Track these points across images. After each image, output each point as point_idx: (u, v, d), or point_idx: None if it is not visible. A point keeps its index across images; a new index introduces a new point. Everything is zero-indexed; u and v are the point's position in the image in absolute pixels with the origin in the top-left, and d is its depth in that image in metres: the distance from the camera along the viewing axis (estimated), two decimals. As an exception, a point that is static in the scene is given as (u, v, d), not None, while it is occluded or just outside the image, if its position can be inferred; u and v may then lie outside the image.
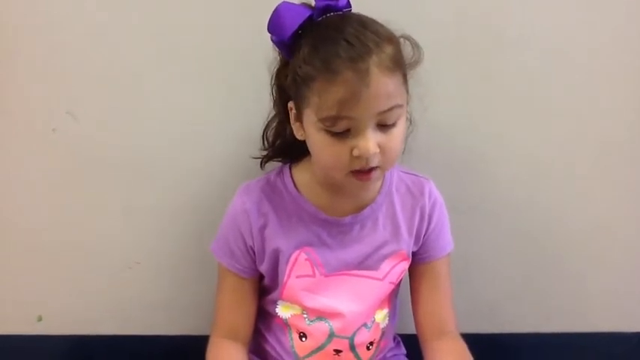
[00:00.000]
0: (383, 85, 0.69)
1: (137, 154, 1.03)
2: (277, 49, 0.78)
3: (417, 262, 0.89)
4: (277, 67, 0.81)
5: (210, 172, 1.04)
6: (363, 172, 0.74)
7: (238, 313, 0.88)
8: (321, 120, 0.71)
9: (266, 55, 0.81)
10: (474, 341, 0.86)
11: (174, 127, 1.02)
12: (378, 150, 0.71)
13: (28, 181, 1.04)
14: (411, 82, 0.77)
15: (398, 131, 0.74)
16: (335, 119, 0.70)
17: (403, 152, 0.83)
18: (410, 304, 0.92)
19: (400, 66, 0.72)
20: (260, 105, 0.87)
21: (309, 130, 0.75)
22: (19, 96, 1.00)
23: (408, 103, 0.78)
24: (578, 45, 1.00)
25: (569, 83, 1.01)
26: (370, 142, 0.70)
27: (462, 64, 1.00)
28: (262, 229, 0.84)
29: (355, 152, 0.71)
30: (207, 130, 1.02)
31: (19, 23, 0.97)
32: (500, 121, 1.03)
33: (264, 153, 0.90)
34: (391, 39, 0.73)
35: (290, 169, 0.87)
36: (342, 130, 0.71)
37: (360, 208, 0.85)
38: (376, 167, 0.74)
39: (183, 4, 0.96)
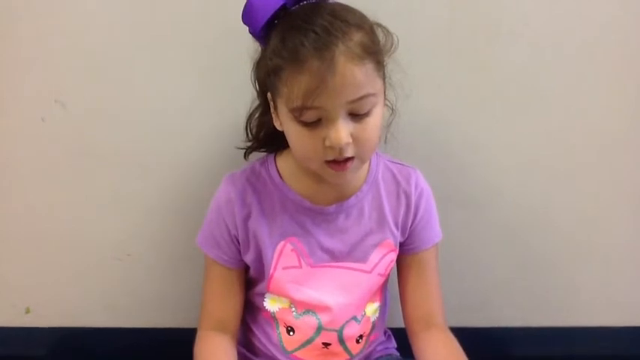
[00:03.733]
0: (350, 73, 0.68)
1: (127, 145, 1.03)
2: (255, 40, 0.77)
3: (405, 253, 0.88)
4: (257, 57, 0.80)
5: (202, 162, 1.03)
6: (337, 163, 0.73)
7: (225, 304, 0.87)
8: (291, 110, 0.70)
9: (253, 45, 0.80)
10: (463, 335, 0.85)
11: (165, 118, 1.01)
12: (350, 140, 0.71)
13: (17, 171, 1.04)
14: (391, 67, 0.76)
15: (373, 121, 0.72)
16: (302, 109, 0.69)
17: (385, 142, 0.83)
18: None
19: (371, 54, 0.70)
20: (248, 95, 0.86)
21: (284, 120, 0.75)
22: (7, 85, 1.00)
23: (385, 92, 0.77)
24: (571, 38, 0.99)
25: (560, 76, 1.01)
26: (342, 132, 0.70)
27: (455, 56, 1.00)
28: (246, 218, 0.83)
29: (327, 142, 0.71)
30: (197, 120, 1.02)
31: (7, 12, 0.97)
32: (491, 113, 1.03)
33: (249, 144, 0.89)
34: (361, 26, 0.71)
35: (275, 158, 0.87)
36: (312, 120, 0.70)
37: (346, 197, 0.84)
38: (352, 157, 0.73)
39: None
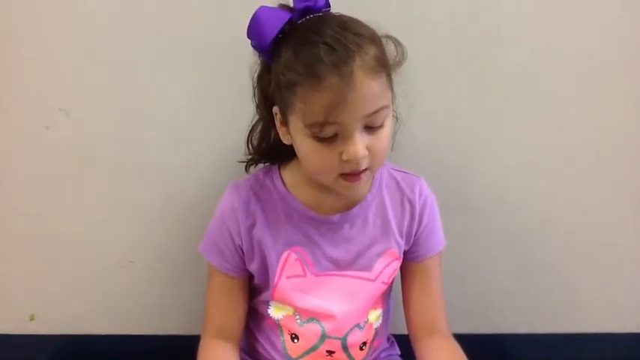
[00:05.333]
0: (368, 87, 0.68)
1: (132, 152, 1.02)
2: (257, 54, 0.76)
3: (409, 261, 0.88)
4: (259, 71, 0.79)
5: (205, 169, 1.03)
6: (352, 174, 0.73)
7: (228, 313, 0.87)
8: (308, 126, 0.70)
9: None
10: (466, 342, 0.85)
11: (168, 125, 1.01)
12: (367, 153, 0.71)
13: (21, 179, 1.04)
14: (397, 78, 0.76)
15: (385, 132, 0.73)
16: (322, 125, 0.69)
17: (392, 149, 0.83)
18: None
19: (384, 66, 0.71)
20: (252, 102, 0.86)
21: (296, 135, 0.74)
22: (11, 94, 1.00)
23: (393, 102, 0.77)
24: (572, 40, 0.99)
25: (562, 81, 1.01)
26: (359, 145, 0.70)
27: (455, 62, 0.99)
28: (250, 228, 0.83)
29: (344, 157, 0.71)
30: (199, 127, 1.01)
31: (10, 20, 0.96)
32: (493, 119, 1.02)
33: (250, 157, 0.89)
34: (373, 39, 0.71)
35: (279, 168, 0.86)
36: (329, 136, 0.70)
37: (350, 207, 0.84)
38: (366, 169, 0.73)
39: (176, 1, 0.95)
